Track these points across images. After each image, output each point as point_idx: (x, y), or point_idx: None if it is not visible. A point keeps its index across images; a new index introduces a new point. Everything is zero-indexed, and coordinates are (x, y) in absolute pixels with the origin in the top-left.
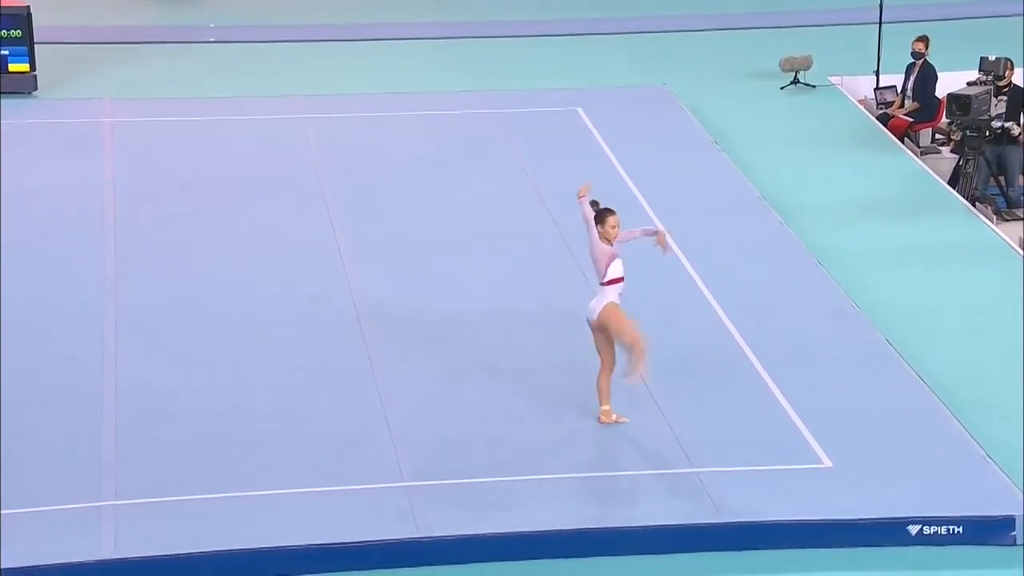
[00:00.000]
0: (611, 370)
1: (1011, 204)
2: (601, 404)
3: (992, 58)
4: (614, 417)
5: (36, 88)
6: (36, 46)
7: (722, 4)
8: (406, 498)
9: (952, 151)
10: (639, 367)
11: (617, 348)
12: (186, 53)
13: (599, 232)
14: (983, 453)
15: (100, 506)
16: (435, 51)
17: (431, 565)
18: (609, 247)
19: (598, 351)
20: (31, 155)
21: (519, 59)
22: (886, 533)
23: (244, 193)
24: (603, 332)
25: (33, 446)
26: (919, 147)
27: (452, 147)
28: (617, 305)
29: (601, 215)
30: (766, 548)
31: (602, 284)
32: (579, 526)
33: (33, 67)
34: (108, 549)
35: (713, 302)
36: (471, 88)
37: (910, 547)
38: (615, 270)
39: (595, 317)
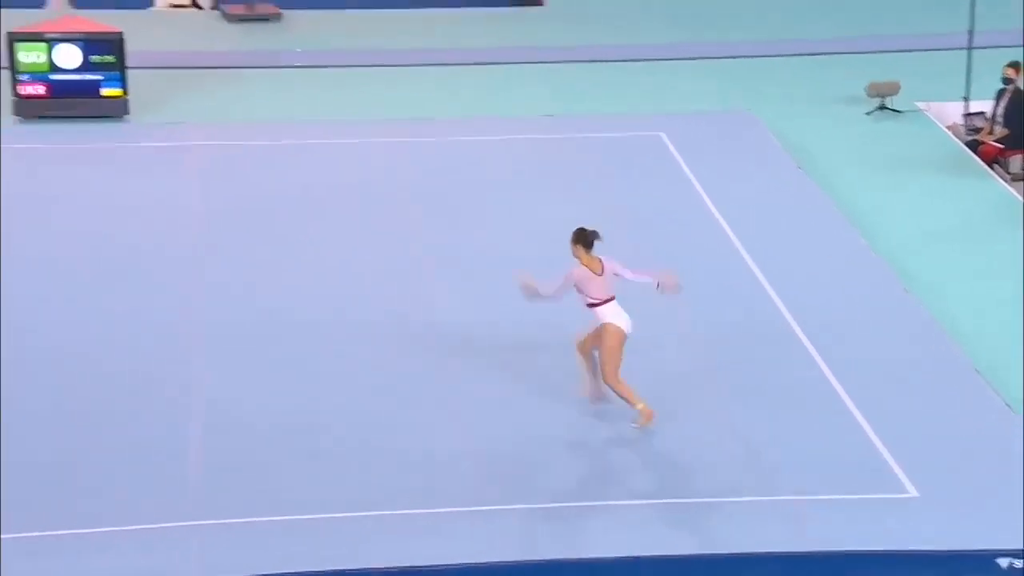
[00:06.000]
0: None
1: None
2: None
3: None
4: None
5: (128, 112)
6: (128, 71)
7: (808, 29)
8: (469, 521)
9: None
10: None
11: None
12: (273, 78)
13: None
14: None
15: (186, 526)
16: (521, 76)
17: None
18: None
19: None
20: (119, 176)
21: (603, 84)
22: (975, 565)
23: (326, 214)
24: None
25: (119, 464)
26: (1009, 173)
27: (535, 170)
28: None
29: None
30: None
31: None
32: (660, 553)
33: (126, 91)
34: (197, 570)
35: (795, 325)
36: (555, 112)
37: None
38: None
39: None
